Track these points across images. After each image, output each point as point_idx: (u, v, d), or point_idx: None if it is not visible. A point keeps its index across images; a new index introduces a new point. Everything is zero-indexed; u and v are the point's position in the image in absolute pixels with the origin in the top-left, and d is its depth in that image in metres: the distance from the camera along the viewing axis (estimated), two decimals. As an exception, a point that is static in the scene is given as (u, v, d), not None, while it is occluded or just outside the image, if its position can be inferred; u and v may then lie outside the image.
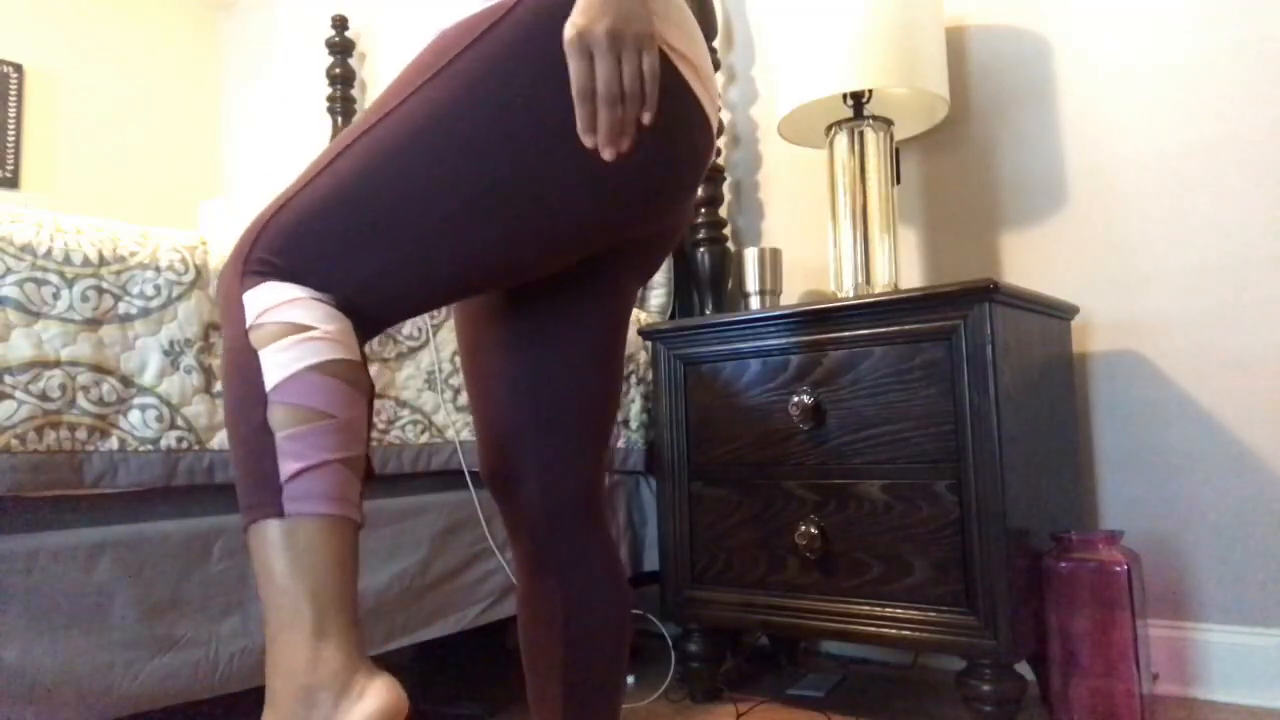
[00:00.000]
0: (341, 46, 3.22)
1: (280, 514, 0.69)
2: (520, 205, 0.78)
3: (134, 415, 1.20)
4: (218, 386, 1.30)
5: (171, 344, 1.25)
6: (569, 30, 0.72)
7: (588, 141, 0.75)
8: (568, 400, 0.93)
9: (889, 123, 1.81)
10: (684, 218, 0.96)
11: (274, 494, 0.69)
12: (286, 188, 0.80)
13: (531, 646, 0.97)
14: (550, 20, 0.78)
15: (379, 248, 0.76)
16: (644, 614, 2.06)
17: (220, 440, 1.29)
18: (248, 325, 0.74)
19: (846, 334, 1.57)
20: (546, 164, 0.77)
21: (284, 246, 0.76)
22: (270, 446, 0.70)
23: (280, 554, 0.68)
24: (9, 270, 1.11)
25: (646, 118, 0.75)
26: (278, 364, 0.72)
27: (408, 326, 1.55)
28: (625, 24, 0.72)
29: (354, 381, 0.74)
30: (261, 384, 0.71)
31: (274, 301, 0.74)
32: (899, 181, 1.81)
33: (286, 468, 0.70)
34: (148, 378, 1.22)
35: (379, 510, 1.48)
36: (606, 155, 0.75)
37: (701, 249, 2.14)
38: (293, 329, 0.73)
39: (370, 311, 0.78)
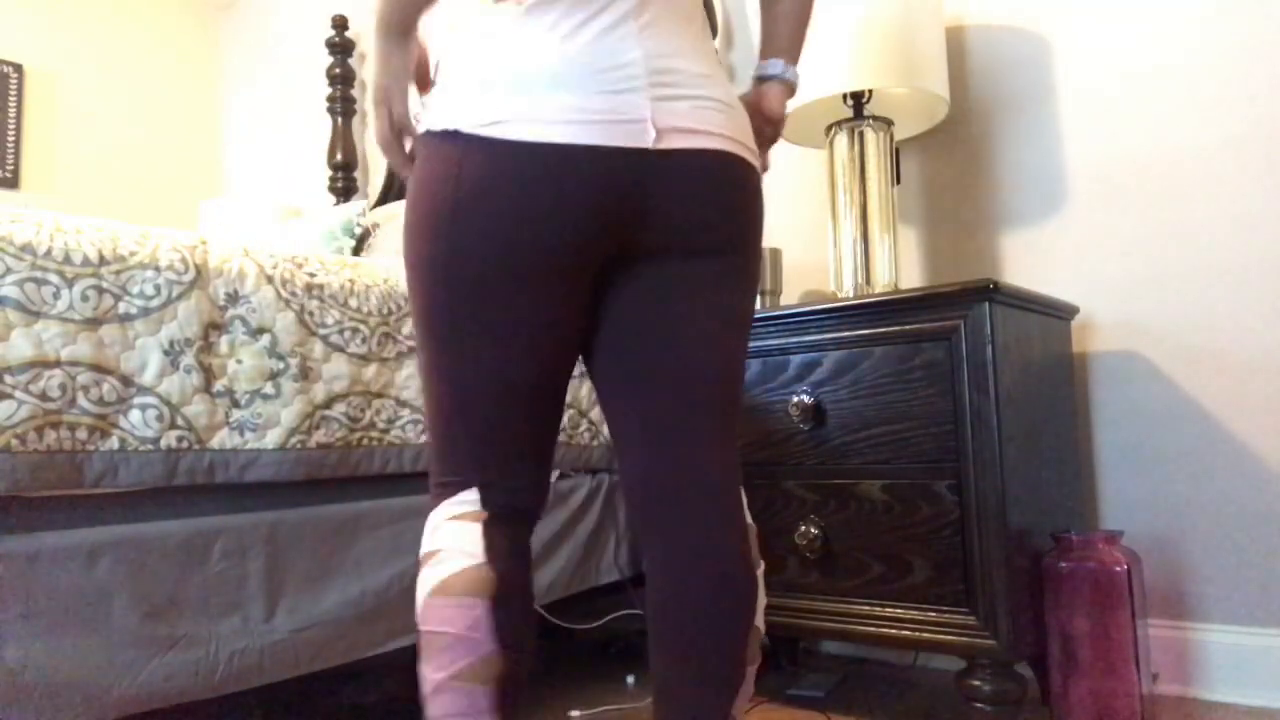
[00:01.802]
0: (341, 46, 3.22)
1: None
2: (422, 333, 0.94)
3: (134, 415, 1.20)
4: (217, 385, 1.30)
5: (171, 343, 1.25)
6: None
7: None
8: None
9: (889, 123, 1.81)
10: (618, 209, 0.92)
11: None
12: None
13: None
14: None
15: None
16: (645, 614, 2.05)
17: (220, 440, 1.29)
18: None
19: (846, 334, 1.57)
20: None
21: None
22: None
23: None
24: (9, 270, 1.11)
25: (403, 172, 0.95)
26: None
27: (406, 326, 1.55)
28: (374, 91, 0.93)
29: None
30: None
31: None
32: (899, 181, 1.81)
33: None
34: (148, 377, 1.22)
35: (379, 510, 1.48)
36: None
37: (701, 249, 2.14)
38: None
39: None
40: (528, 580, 0.95)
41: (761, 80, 1.10)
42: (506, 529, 0.94)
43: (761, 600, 0.94)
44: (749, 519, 0.96)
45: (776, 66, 1.09)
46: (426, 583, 0.91)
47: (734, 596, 0.91)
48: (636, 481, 0.96)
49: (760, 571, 0.95)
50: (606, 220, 0.88)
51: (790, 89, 1.10)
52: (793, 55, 1.10)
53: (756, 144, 1.05)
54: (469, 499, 0.93)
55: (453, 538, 0.91)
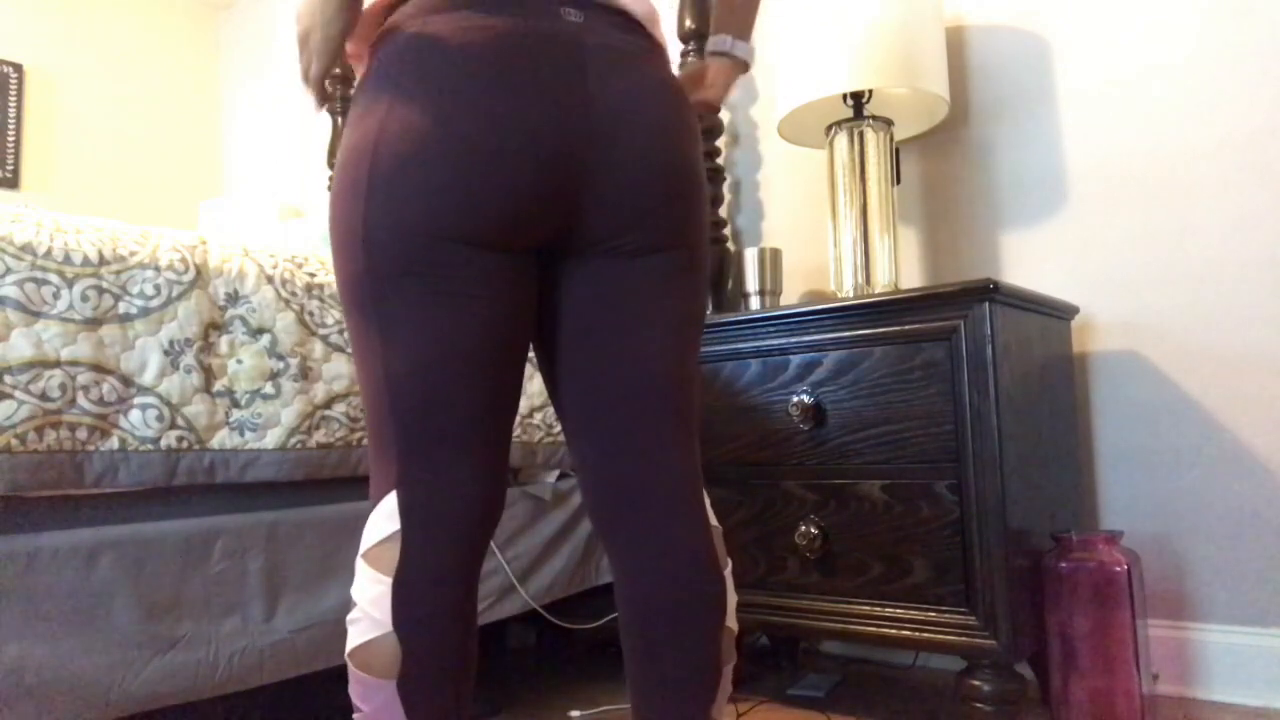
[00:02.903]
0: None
1: None
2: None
3: (134, 415, 1.20)
4: (217, 385, 1.30)
5: (171, 343, 1.25)
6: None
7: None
8: None
9: (889, 123, 1.81)
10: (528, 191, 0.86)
11: None
12: None
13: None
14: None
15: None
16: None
17: (220, 440, 1.29)
18: None
19: (846, 334, 1.57)
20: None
21: None
22: None
23: None
24: (9, 270, 1.11)
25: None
26: None
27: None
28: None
29: None
30: None
31: None
32: (899, 181, 1.81)
33: None
34: (148, 377, 1.22)
35: (379, 510, 1.48)
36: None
37: (701, 249, 2.14)
38: None
39: None
40: (453, 638, 0.84)
41: (710, 56, 1.08)
42: (427, 566, 0.83)
43: (731, 600, 0.92)
44: (714, 520, 0.94)
45: (724, 43, 1.06)
46: (348, 639, 0.85)
47: (703, 597, 0.89)
48: (593, 486, 0.93)
49: (728, 571, 0.93)
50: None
51: (739, 65, 1.08)
52: (742, 31, 1.07)
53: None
54: (387, 510, 0.85)
55: (363, 591, 0.84)
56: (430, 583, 0.84)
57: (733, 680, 1.88)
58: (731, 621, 0.92)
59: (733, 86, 1.11)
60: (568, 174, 0.85)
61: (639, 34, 0.94)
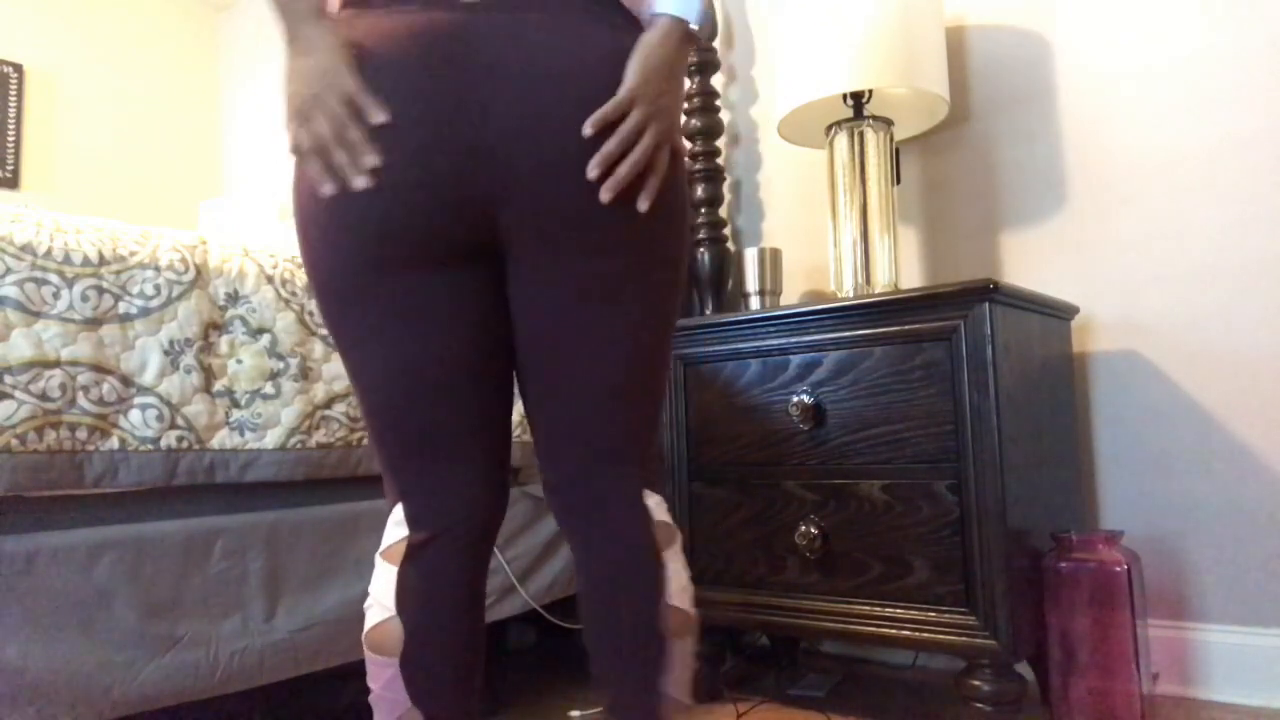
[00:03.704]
0: (341, 46, 3.21)
1: None
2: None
3: (134, 415, 1.20)
4: (217, 385, 1.30)
5: (171, 343, 1.25)
6: None
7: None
8: None
9: (889, 123, 1.81)
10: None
11: None
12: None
13: None
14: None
15: None
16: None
17: (220, 440, 1.29)
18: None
19: (846, 334, 1.57)
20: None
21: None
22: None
23: None
24: (9, 270, 1.11)
25: None
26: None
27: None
28: None
29: None
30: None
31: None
32: (899, 181, 1.81)
33: None
34: (148, 377, 1.22)
35: (378, 511, 1.48)
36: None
37: (701, 249, 2.14)
38: None
39: None
40: (452, 623, 0.90)
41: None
42: (429, 561, 0.89)
43: (674, 580, 0.92)
44: (660, 515, 0.94)
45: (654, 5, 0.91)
46: (364, 626, 0.93)
47: (639, 576, 0.91)
48: (547, 483, 0.97)
49: (670, 551, 0.93)
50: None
51: (675, 26, 0.88)
52: None
53: None
54: (398, 518, 0.92)
55: (376, 582, 0.91)
56: (430, 576, 0.90)
57: (731, 680, 1.88)
58: (677, 600, 0.92)
59: (673, 51, 0.89)
60: (472, 183, 0.82)
61: None
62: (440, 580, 0.90)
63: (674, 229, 0.91)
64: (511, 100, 0.81)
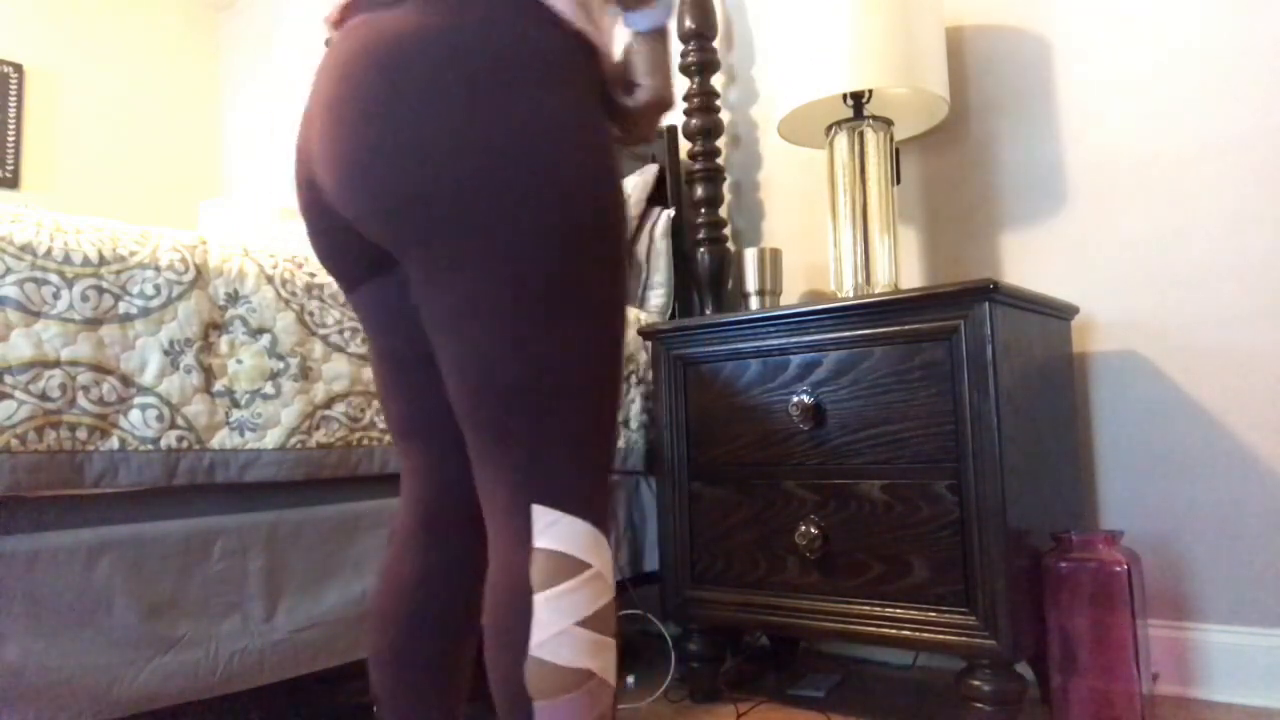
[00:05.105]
0: (341, 46, 3.21)
1: None
2: None
3: (134, 415, 1.20)
4: (217, 385, 1.30)
5: (171, 343, 1.25)
6: None
7: None
8: None
9: (889, 123, 1.81)
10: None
11: None
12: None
13: None
14: None
15: None
16: (644, 614, 2.05)
17: (220, 440, 1.29)
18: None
19: (846, 334, 1.57)
20: None
21: None
22: None
23: None
24: (9, 270, 1.11)
25: None
26: None
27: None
28: None
29: None
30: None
31: None
32: (899, 181, 1.81)
33: None
34: (148, 377, 1.22)
35: (378, 510, 1.48)
36: None
37: (701, 249, 2.14)
38: None
39: None
40: (408, 583, 0.96)
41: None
42: (412, 538, 0.97)
43: (550, 626, 0.77)
44: (543, 542, 0.79)
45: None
46: None
47: (496, 618, 0.80)
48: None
49: (551, 593, 0.77)
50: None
51: (654, 35, 0.90)
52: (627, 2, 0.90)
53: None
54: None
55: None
56: (401, 540, 0.98)
57: (731, 680, 1.87)
58: (542, 653, 0.76)
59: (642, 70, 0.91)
60: (330, 214, 0.89)
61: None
62: (410, 544, 0.98)
63: (544, 241, 0.77)
64: (319, 128, 0.83)
